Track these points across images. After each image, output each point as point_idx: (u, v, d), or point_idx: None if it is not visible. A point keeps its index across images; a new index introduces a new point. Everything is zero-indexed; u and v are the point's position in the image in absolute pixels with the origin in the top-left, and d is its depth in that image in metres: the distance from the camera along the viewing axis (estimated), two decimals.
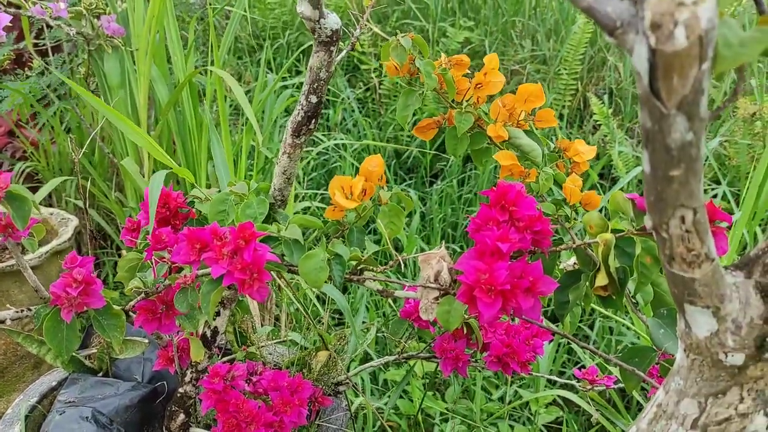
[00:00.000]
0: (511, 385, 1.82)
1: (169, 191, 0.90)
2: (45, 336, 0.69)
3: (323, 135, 2.83)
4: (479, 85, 0.75)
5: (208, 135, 1.65)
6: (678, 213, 0.41)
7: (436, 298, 0.63)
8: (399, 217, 0.73)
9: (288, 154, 0.78)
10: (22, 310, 0.71)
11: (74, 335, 0.70)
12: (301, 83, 2.90)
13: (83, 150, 1.57)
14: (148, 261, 0.82)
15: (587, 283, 0.66)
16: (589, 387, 0.94)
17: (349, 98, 3.17)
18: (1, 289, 1.46)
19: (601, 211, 0.75)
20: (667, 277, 0.45)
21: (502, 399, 1.79)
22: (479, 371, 1.65)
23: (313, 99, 0.73)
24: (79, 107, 2.01)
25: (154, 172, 1.69)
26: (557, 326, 1.00)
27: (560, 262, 0.79)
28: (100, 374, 1.05)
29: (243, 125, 1.89)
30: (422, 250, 1.96)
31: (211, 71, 1.66)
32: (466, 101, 0.78)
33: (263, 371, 0.95)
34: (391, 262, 0.65)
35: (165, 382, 1.02)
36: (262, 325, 1.38)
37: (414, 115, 3.06)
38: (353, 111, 3.24)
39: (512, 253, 0.60)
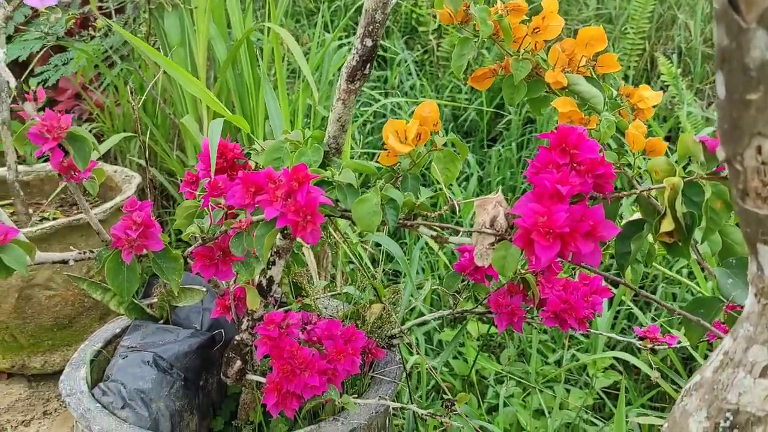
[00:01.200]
0: (568, 349, 1.79)
1: (226, 142, 0.90)
2: (107, 277, 0.71)
3: (379, 93, 2.81)
4: (537, 30, 0.72)
5: (263, 93, 1.66)
6: (754, 142, 0.38)
7: (492, 244, 0.62)
8: (454, 164, 0.71)
9: (342, 100, 0.77)
10: (84, 252, 0.73)
11: (134, 277, 0.72)
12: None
13: (139, 105, 1.60)
14: (205, 208, 0.83)
15: (651, 233, 0.63)
16: (650, 345, 0.91)
17: (406, 61, 3.13)
18: (67, 242, 1.51)
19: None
20: (739, 215, 0.42)
21: (558, 363, 1.76)
22: (537, 329, 1.62)
23: (369, 42, 0.72)
24: (141, 69, 2.05)
25: None
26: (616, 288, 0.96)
27: (622, 217, 0.76)
28: (161, 322, 1.08)
29: (300, 86, 1.89)
30: None
31: (269, 31, 1.67)
32: (524, 48, 0.75)
33: (317, 321, 0.95)
34: (445, 207, 0.64)
35: (222, 331, 1.05)
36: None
37: (468, 66, 3.00)
38: (410, 74, 3.20)
39: (572, 197, 0.58)
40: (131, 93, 1.93)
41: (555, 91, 0.75)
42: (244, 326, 0.95)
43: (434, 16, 3.32)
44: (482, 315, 1.01)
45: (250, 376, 0.97)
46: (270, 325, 0.87)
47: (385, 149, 0.71)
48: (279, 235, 0.92)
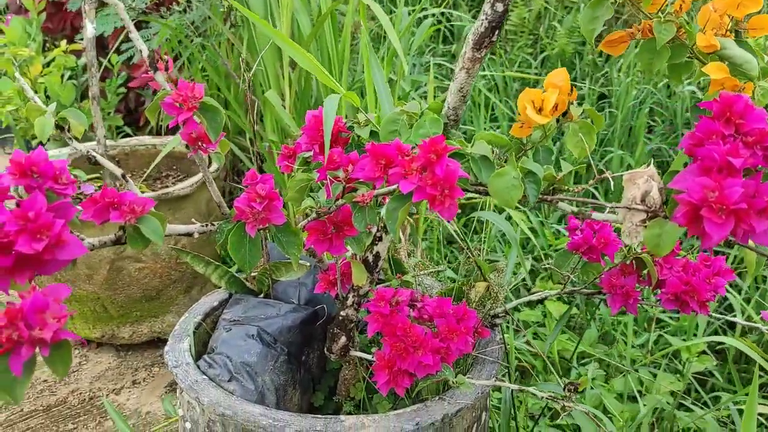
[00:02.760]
0: (654, 332, 1.73)
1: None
2: (230, 250, 0.70)
3: (448, 60, 2.74)
4: None
5: (348, 66, 1.63)
6: None
7: (643, 221, 0.58)
8: (590, 136, 0.67)
9: (467, 69, 0.73)
10: (205, 225, 0.72)
11: (257, 250, 0.71)
12: (441, 14, 2.81)
13: (247, 83, 1.59)
14: (320, 182, 0.81)
15: None
16: None
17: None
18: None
19: None
20: None
21: (642, 346, 1.71)
22: (651, 307, 1.57)
23: (500, 7, 0.68)
24: (217, 45, 2.05)
25: (295, 105, 1.70)
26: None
27: None
28: (261, 296, 1.08)
29: (383, 58, 1.86)
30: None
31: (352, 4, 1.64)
32: (663, 11, 0.70)
33: (423, 298, 0.93)
34: (591, 181, 0.60)
35: (325, 306, 1.04)
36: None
37: (570, 38, 2.90)
38: None
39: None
40: (203, 72, 1.93)
41: (699, 56, 0.70)
42: (349, 302, 0.94)
43: None
44: (591, 295, 0.97)
45: (354, 353, 0.96)
46: (381, 301, 0.86)
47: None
48: None
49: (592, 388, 1.56)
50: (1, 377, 0.45)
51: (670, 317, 1.78)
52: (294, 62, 1.74)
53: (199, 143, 0.67)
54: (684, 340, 1.65)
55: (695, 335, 1.65)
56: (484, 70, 2.93)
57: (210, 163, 1.68)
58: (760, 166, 0.57)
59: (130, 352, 1.66)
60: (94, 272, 1.50)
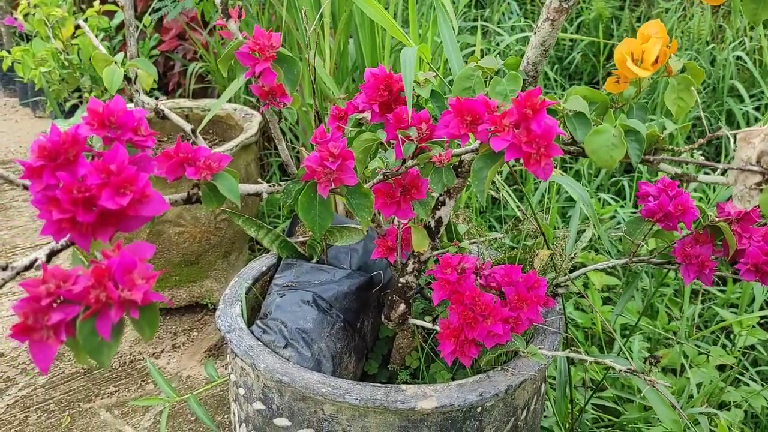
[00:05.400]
0: (702, 303, 1.69)
1: (391, 74, 0.84)
2: (299, 211, 0.67)
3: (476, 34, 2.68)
4: None
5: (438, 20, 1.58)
6: None
7: (759, 184, 0.53)
8: (688, 92, 0.63)
9: (551, 20, 0.68)
10: (273, 185, 0.68)
11: (328, 211, 0.67)
12: None
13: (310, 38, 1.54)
14: (390, 141, 0.77)
15: None
16: None
17: (506, 0, 2.98)
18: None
19: None
20: None
21: (688, 319, 1.67)
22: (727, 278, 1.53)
23: None
24: (252, 6, 2.00)
25: (335, 67, 1.65)
26: None
27: None
28: (313, 261, 1.05)
29: (424, 18, 1.80)
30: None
31: None
32: None
33: (484, 266, 0.90)
34: (701, 140, 0.56)
35: (381, 273, 1.01)
36: None
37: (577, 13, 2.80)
38: (512, 13, 3.05)
39: None
40: (304, 22, 1.88)
41: None
42: (409, 268, 0.91)
43: None
44: (660, 265, 0.93)
45: (414, 320, 0.93)
46: (447, 268, 0.82)
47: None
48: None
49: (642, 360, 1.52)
50: (88, 340, 0.42)
51: (718, 289, 1.73)
52: (333, 25, 1.68)
53: (271, 97, 0.63)
54: (734, 313, 1.60)
55: (748, 307, 1.60)
56: (521, 32, 2.85)
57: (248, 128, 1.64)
58: None
59: (169, 316, 1.65)
60: (133, 236, 1.48)
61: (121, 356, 1.52)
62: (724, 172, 0.56)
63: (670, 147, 0.58)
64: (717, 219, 0.87)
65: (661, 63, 0.60)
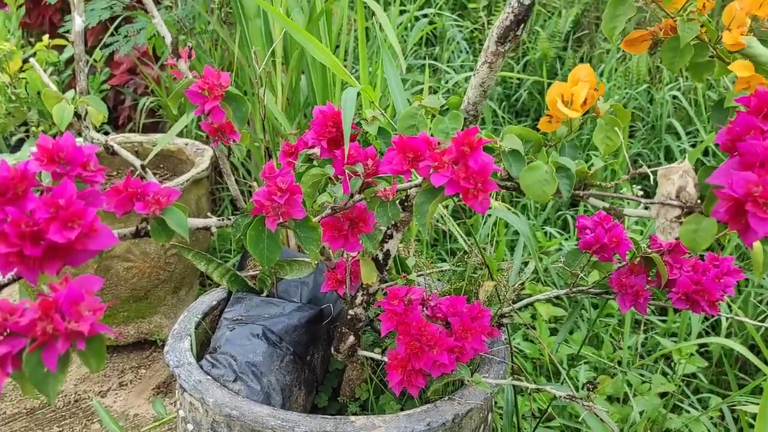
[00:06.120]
0: (644, 333, 1.75)
1: (339, 111, 0.87)
2: (248, 245, 0.68)
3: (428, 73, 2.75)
4: None
5: (341, 63, 1.62)
6: None
7: (678, 217, 0.58)
8: (615, 132, 0.67)
9: (489, 63, 0.73)
10: (222, 218, 0.70)
11: (276, 245, 0.69)
12: (437, 14, 2.81)
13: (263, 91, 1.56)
14: (336, 177, 0.79)
15: None
16: None
17: (456, 39, 3.07)
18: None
19: None
20: None
21: (630, 348, 1.72)
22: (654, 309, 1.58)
23: (527, 0, 0.67)
24: (204, 43, 2.02)
25: (287, 103, 1.68)
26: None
27: None
28: (263, 295, 1.06)
29: (374, 56, 1.84)
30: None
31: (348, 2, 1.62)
32: (685, 8, 0.71)
33: (430, 297, 0.92)
34: (624, 176, 0.60)
35: (331, 305, 1.02)
36: None
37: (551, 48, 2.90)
38: (461, 52, 3.14)
39: None
40: (191, 70, 1.90)
41: (720, 55, 0.70)
42: (358, 300, 0.92)
43: None
44: (599, 295, 0.97)
45: (363, 352, 0.94)
46: (394, 299, 0.84)
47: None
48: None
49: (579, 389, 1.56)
50: (34, 372, 0.42)
51: (659, 319, 1.79)
52: (285, 61, 1.72)
53: (220, 134, 0.65)
54: (674, 342, 1.66)
55: (687, 336, 1.66)
56: (470, 70, 2.93)
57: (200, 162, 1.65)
58: None
59: (116, 353, 1.62)
60: (81, 272, 1.46)
61: (65, 395, 1.48)
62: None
63: (598, 182, 0.62)
64: (650, 250, 0.92)
65: (590, 105, 0.65)
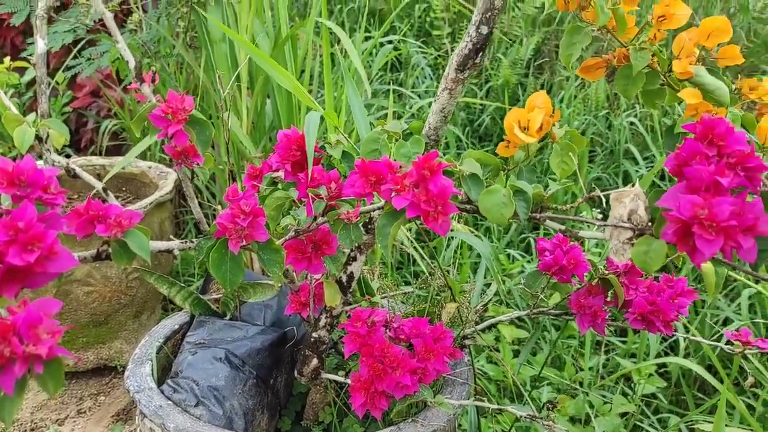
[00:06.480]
0: (605, 354, 1.77)
1: (303, 135, 0.88)
2: (211, 267, 0.68)
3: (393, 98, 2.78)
4: (662, 18, 0.70)
5: (306, 88, 1.63)
6: None
7: (630, 239, 0.60)
8: (570, 157, 0.69)
9: (449, 89, 0.75)
10: (184, 241, 0.70)
11: (239, 267, 0.69)
12: (401, 40, 2.85)
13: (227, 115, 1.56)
14: (299, 200, 0.80)
15: None
16: (740, 350, 0.89)
17: (420, 65, 3.11)
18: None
19: None
20: None
21: (591, 368, 1.75)
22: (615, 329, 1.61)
23: (484, 30, 0.70)
24: (169, 66, 2.02)
25: (252, 127, 1.68)
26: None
27: None
28: (226, 318, 1.05)
29: (340, 80, 1.86)
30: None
31: (310, 26, 1.64)
32: (638, 38, 0.74)
33: (393, 319, 0.93)
34: (579, 200, 0.62)
35: (295, 328, 1.02)
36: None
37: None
38: (425, 77, 3.18)
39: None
40: (155, 93, 1.89)
41: (671, 83, 0.73)
42: (322, 323, 0.93)
43: (448, 21, 3.32)
44: (559, 316, 0.99)
45: (327, 375, 0.94)
46: (358, 322, 0.85)
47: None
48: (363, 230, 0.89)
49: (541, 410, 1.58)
50: None
51: (619, 340, 1.82)
52: (251, 85, 1.73)
53: (183, 157, 0.65)
54: (634, 362, 1.69)
55: (647, 356, 1.70)
56: (434, 95, 2.97)
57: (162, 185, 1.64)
58: (742, 186, 0.59)
59: (75, 380, 1.58)
60: (38, 295, 1.43)
61: (21, 423, 1.44)
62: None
63: (554, 206, 0.64)
64: (607, 272, 0.94)
65: (545, 130, 0.67)
